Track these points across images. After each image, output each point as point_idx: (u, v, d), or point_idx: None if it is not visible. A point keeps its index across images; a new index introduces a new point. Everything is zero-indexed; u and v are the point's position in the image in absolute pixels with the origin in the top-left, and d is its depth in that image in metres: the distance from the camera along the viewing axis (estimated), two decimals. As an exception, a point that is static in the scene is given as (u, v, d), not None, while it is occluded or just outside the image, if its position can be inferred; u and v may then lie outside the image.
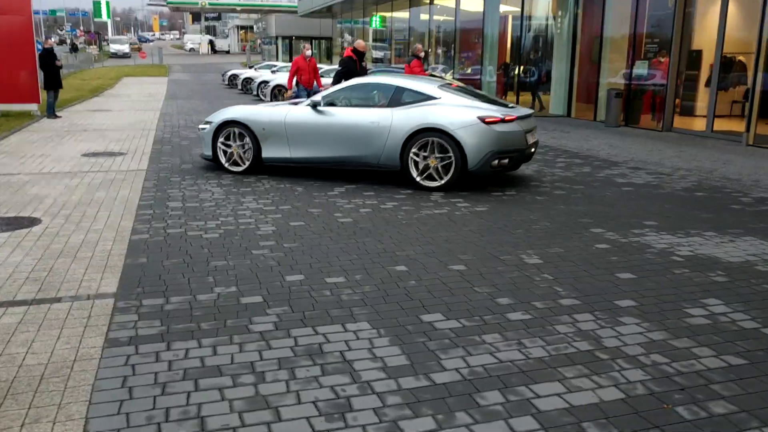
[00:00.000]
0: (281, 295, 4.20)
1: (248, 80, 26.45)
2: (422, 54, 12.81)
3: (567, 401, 2.93)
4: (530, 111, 7.89)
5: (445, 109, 7.32)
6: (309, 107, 8.00)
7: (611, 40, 15.88)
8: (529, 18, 18.89)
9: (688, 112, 14.56)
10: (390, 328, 3.69)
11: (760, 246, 5.42)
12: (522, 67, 19.26)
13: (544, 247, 5.31)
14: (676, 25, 13.82)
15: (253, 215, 6.29)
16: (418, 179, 7.47)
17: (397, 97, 7.67)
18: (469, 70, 21.99)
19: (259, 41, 64.11)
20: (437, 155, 7.33)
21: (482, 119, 7.17)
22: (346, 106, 7.94)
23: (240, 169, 8.37)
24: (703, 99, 14.52)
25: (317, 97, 8.03)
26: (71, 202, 6.76)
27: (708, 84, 14.03)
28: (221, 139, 8.38)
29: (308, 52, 12.45)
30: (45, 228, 5.74)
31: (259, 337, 3.56)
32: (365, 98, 7.97)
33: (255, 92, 22.60)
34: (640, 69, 14.93)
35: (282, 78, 19.54)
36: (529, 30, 18.73)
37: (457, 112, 7.27)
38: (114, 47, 69.77)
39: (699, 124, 13.63)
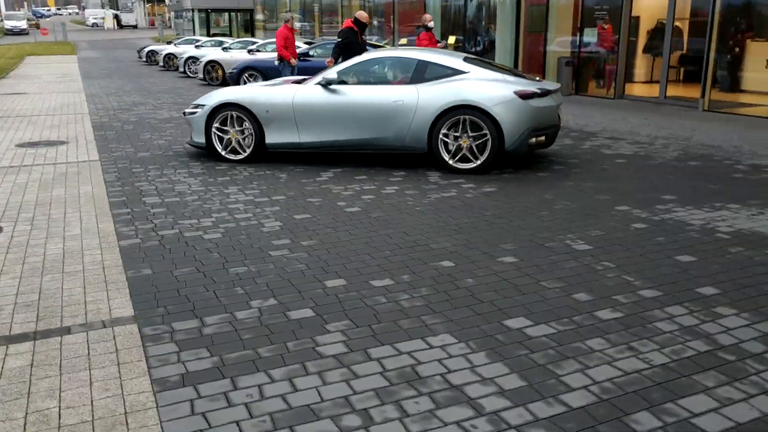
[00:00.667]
0: (332, 305, 3.64)
1: (170, 56, 24.95)
2: (431, 24, 12.03)
3: (729, 418, 2.56)
4: (558, 85, 7.45)
5: (478, 84, 6.69)
6: (319, 86, 7.20)
7: (557, 8, 15.74)
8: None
9: (639, 79, 14.67)
10: (479, 340, 3.22)
11: (792, 217, 5.28)
12: (455, 38, 18.92)
13: (582, 231, 4.96)
14: (625, -8, 13.79)
15: (247, 209, 5.63)
16: (450, 162, 6.83)
17: (420, 73, 7.04)
18: (404, 41, 21.47)
19: (169, 15, 61.00)
20: (470, 134, 6.70)
21: (519, 94, 6.62)
22: (361, 83, 7.22)
23: (240, 157, 7.50)
24: (645, 66, 14.68)
25: (330, 74, 7.21)
26: (28, 202, 5.85)
27: (648, 51, 14.20)
28: (216, 125, 7.41)
29: (297, 24, 11.82)
30: (10, 237, 4.89)
31: (335, 362, 3.01)
32: (382, 75, 7.36)
33: (182, 69, 21.25)
34: (589, 36, 14.88)
35: (216, 53, 18.38)
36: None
37: (491, 86, 6.66)
38: (9, 23, 64.47)
39: (651, 91, 13.72)
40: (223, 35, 38.15)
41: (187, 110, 7.74)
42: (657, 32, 15.22)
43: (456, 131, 6.76)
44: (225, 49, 18.98)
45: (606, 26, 15.11)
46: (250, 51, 17.35)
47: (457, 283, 3.95)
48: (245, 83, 14.60)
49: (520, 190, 6.23)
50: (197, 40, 25.88)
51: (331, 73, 7.24)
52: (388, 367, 2.97)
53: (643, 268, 4.17)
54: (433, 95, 6.76)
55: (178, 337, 3.27)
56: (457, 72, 6.98)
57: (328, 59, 10.03)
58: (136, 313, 3.55)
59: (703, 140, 8.95)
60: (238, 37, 38.08)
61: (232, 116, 7.39)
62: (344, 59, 9.33)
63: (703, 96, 12.07)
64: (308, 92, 7.20)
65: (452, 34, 19.13)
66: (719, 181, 6.55)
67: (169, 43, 30.68)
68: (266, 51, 17.29)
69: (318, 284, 3.95)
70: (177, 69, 24.26)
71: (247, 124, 7.36)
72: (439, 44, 12.47)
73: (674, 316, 3.48)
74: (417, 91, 6.86)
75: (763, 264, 4.23)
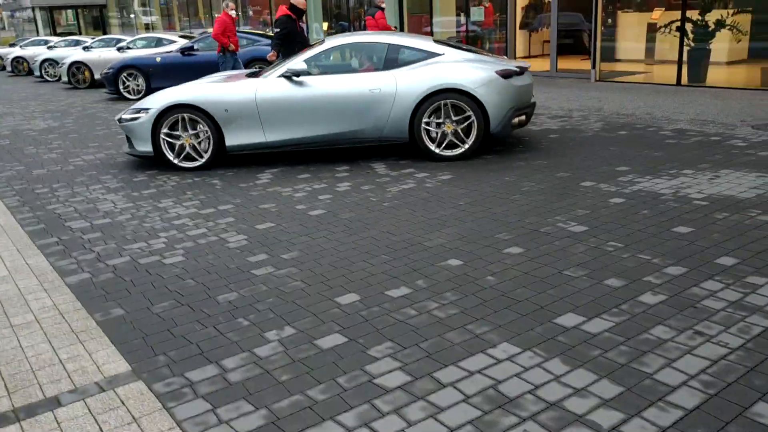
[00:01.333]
0: (360, 326, 3.21)
1: (19, 60, 22.64)
2: (384, 4, 11.33)
3: (844, 397, 2.45)
4: (529, 63, 7.25)
5: (458, 66, 6.36)
6: (284, 78, 6.53)
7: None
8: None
9: (521, 54, 15.05)
10: (543, 345, 2.94)
11: (748, 178, 5.44)
12: (335, 25, 18.56)
13: (566, 211, 4.82)
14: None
15: (198, 224, 5.00)
16: (436, 150, 6.49)
17: (392, 57, 6.60)
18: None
19: (1, 15, 55.44)
20: (453, 119, 6.39)
21: (500, 74, 6.39)
22: (329, 73, 6.64)
23: (197, 164, 6.70)
24: (523, 41, 15.10)
25: (296, 65, 6.49)
26: None
27: (524, 27, 14.62)
28: (164, 130, 6.56)
29: (233, 12, 10.68)
30: None
31: (407, 395, 2.61)
32: (350, 63, 6.85)
33: (38, 73, 19.27)
34: (476, 15, 15.04)
35: (79, 54, 16.76)
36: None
37: (472, 68, 6.36)
38: None
39: (539, 66, 14.10)
40: (69, 34, 35.16)
41: (124, 116, 6.74)
42: (530, 8, 15.70)
43: (437, 117, 6.42)
44: (86, 48, 17.35)
45: (487, 4, 15.36)
46: (120, 49, 16.00)
47: (479, 282, 3.65)
48: (124, 84, 13.39)
49: (477, 175, 6.02)
50: (46, 41, 23.63)
51: (298, 64, 6.51)
52: (467, 391, 2.61)
53: (650, 244, 4.07)
54: (413, 80, 6.36)
55: (203, 390, 2.72)
56: (431, 54, 6.63)
57: (270, 53, 9.18)
58: (134, 367, 2.94)
59: (614, 109, 9.22)
60: (87, 35, 35.29)
61: (183, 119, 6.54)
62: (285, 50, 8.72)
63: (593, 67, 12.54)
64: (272, 86, 6.52)
65: (335, 20, 18.71)
66: (658, 147, 6.70)
67: (12, 45, 27.84)
68: (137, 48, 16.03)
69: (330, 302, 3.50)
70: (30, 73, 22.08)
71: (201, 126, 6.55)
72: (393, 28, 12.05)
73: (714, 291, 3.38)
74: (394, 78, 6.42)
75: (759, 227, 4.27)
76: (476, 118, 6.36)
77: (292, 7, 8.90)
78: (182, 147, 6.67)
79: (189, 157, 6.72)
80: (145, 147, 6.67)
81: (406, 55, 6.65)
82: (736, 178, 5.45)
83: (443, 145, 6.49)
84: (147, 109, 6.59)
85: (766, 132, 7.16)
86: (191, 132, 6.60)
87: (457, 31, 15.88)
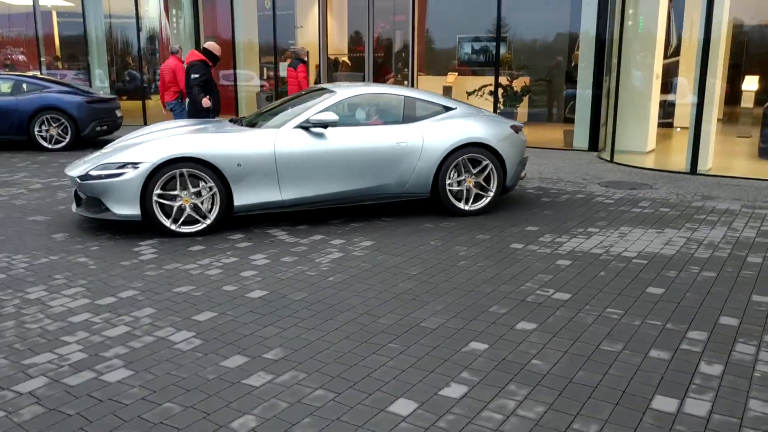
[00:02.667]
0: (454, 443, 2.60)
1: None
2: (306, 58, 10.07)
3: None
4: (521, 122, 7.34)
5: (480, 121, 6.44)
6: (301, 129, 5.89)
7: (244, 43, 15.25)
8: (140, 17, 16.71)
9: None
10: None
11: (650, 234, 5.79)
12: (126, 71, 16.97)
13: (529, 278, 4.62)
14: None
15: (110, 320, 3.84)
16: (463, 207, 6.39)
17: (411, 110, 6.40)
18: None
19: None
20: (473, 173, 6.37)
21: (514, 128, 6.62)
22: (346, 125, 6.12)
23: (198, 228, 5.65)
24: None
25: (324, 116, 5.85)
26: None
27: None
28: (157, 191, 5.44)
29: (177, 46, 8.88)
30: None
31: None
32: (366, 114, 6.52)
33: None
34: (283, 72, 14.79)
35: None
36: (140, 30, 16.55)
37: (493, 122, 6.51)
38: None
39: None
40: None
41: (94, 172, 5.50)
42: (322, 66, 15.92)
43: (457, 172, 6.36)
44: None
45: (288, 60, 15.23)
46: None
47: (531, 369, 3.23)
48: (41, 130, 10.86)
49: (396, 239, 5.60)
50: None
51: (326, 114, 5.87)
52: None
53: (644, 309, 4.03)
54: (439, 134, 6.22)
55: None
56: (446, 108, 6.57)
57: (204, 99, 7.84)
58: None
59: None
60: None
61: (182, 175, 5.50)
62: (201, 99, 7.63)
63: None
64: (292, 138, 5.84)
65: (122, 67, 17.04)
66: (543, 206, 6.91)
67: None
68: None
69: (386, 414, 2.80)
70: None
71: (206, 183, 5.57)
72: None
73: (754, 353, 3.39)
74: (421, 131, 6.20)
75: (721, 284, 4.48)
76: (496, 171, 6.42)
77: (207, 52, 7.80)
78: (181, 209, 5.58)
79: (190, 221, 5.65)
80: (129, 210, 5.47)
81: (423, 108, 6.48)
82: (642, 234, 5.76)
83: (463, 200, 6.42)
84: (136, 163, 5.43)
85: (617, 189, 7.83)
86: (192, 191, 5.55)
87: (262, 86, 15.45)
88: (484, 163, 6.35)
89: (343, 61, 15.90)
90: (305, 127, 5.92)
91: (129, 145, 5.76)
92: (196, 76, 7.54)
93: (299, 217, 6.40)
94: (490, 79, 12.17)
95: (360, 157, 6.00)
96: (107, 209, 5.52)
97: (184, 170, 5.50)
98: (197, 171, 5.53)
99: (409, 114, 6.42)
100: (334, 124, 5.91)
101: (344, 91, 6.34)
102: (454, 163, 6.26)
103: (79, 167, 5.76)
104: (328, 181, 5.95)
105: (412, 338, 3.59)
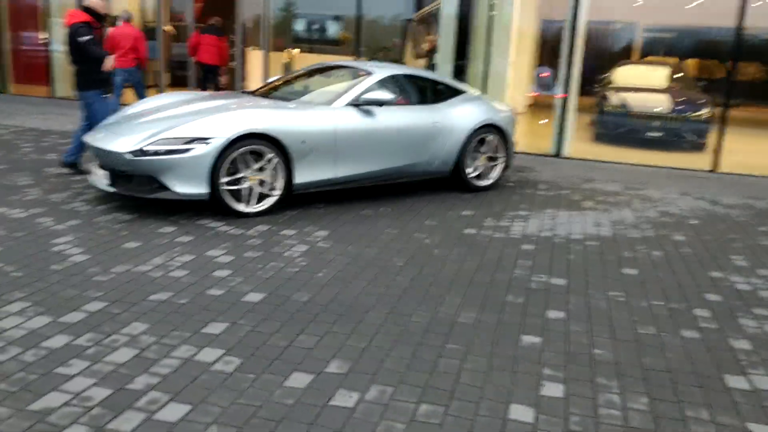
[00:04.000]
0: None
1: None
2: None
3: None
4: None
5: (492, 104, 7.12)
6: (351, 107, 5.90)
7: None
8: None
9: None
10: (775, 416, 2.80)
11: (571, 214, 6.13)
12: None
13: (511, 263, 4.65)
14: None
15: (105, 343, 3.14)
16: (476, 182, 6.87)
17: (435, 93, 6.81)
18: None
19: None
20: (482, 152, 6.86)
21: (513, 112, 7.26)
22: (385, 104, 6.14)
23: (261, 207, 5.40)
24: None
25: (380, 95, 5.97)
26: None
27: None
28: (225, 167, 5.11)
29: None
30: None
31: None
32: (398, 94, 6.43)
33: None
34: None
35: None
36: None
37: (502, 106, 7.26)
38: None
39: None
40: None
41: (150, 147, 4.99)
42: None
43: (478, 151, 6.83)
44: None
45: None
46: None
47: (600, 359, 3.24)
48: None
49: (349, 229, 5.31)
50: None
51: (382, 93, 5.98)
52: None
53: (640, 290, 4.26)
54: (463, 116, 6.64)
55: None
56: (461, 91, 7.01)
57: (109, 59, 6.32)
58: None
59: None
60: None
61: (246, 154, 5.20)
62: (88, 63, 6.30)
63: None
64: (348, 116, 5.85)
65: None
66: (451, 189, 6.98)
67: None
68: None
69: (499, 421, 2.63)
70: None
71: (271, 158, 5.32)
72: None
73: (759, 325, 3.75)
74: (450, 112, 6.59)
75: (675, 263, 4.87)
76: (505, 151, 6.97)
77: (90, 10, 6.35)
78: (249, 190, 5.30)
79: (260, 197, 5.41)
80: (195, 189, 5.07)
81: (443, 90, 6.86)
82: (569, 217, 6.07)
83: (476, 177, 6.85)
84: (206, 138, 5.01)
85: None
86: (254, 167, 5.27)
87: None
88: (493, 142, 6.88)
89: (166, 30, 14.63)
90: (355, 104, 5.95)
91: (185, 118, 5.27)
92: (88, 38, 6.28)
93: (199, 208, 5.79)
94: (334, 58, 12.01)
95: (404, 136, 6.21)
96: (163, 188, 5.05)
97: (250, 147, 5.17)
98: (261, 147, 5.25)
99: (434, 96, 6.76)
100: (389, 102, 6.02)
101: (380, 71, 6.42)
102: (473, 142, 6.67)
103: (117, 140, 5.14)
104: (376, 158, 6.07)
105: (463, 336, 3.42)
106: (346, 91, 6.06)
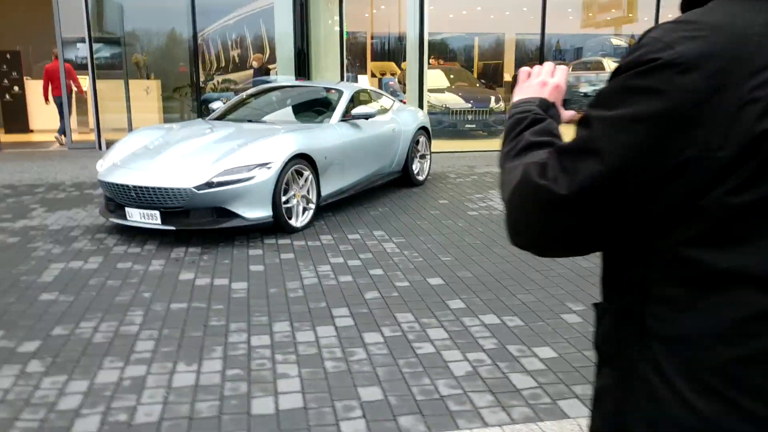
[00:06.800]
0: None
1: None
2: None
3: None
4: None
5: (416, 110, 8.17)
6: (344, 122, 6.36)
7: None
8: None
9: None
10: None
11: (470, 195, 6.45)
12: None
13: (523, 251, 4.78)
14: None
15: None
16: (420, 177, 7.49)
17: (382, 103, 7.36)
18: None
19: None
20: (418, 151, 7.52)
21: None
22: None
23: (309, 217, 5.56)
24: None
25: (367, 109, 6.50)
26: None
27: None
28: (282, 188, 5.22)
29: None
30: None
31: None
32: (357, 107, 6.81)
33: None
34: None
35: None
36: None
37: (420, 111, 8.28)
38: None
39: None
40: None
41: (217, 179, 4.91)
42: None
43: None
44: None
45: None
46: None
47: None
48: None
49: (403, 228, 5.01)
50: None
51: (367, 108, 6.58)
52: None
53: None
54: (405, 120, 7.32)
55: None
56: (393, 101, 7.67)
57: None
58: None
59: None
60: None
61: (290, 172, 5.37)
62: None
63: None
64: (345, 130, 6.27)
65: None
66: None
67: None
68: None
69: None
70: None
71: (308, 175, 5.55)
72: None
73: None
74: (398, 118, 7.21)
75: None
76: (428, 149, 7.77)
77: None
78: (296, 205, 5.47)
79: (301, 212, 5.57)
80: (262, 212, 5.15)
81: (384, 101, 7.47)
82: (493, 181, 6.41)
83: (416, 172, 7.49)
84: (267, 163, 5.14)
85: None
86: (300, 185, 5.51)
87: None
88: (425, 143, 7.61)
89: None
90: (345, 119, 6.34)
91: (233, 148, 5.25)
92: None
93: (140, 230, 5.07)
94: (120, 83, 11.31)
95: (380, 142, 6.74)
96: (233, 216, 5.01)
97: (294, 167, 5.35)
98: (301, 166, 5.45)
99: (383, 107, 7.26)
100: (372, 115, 6.44)
101: (349, 88, 6.95)
102: (412, 144, 7.32)
103: (169, 176, 4.92)
104: (366, 164, 6.50)
105: (569, 332, 3.46)
106: (335, 108, 6.46)
